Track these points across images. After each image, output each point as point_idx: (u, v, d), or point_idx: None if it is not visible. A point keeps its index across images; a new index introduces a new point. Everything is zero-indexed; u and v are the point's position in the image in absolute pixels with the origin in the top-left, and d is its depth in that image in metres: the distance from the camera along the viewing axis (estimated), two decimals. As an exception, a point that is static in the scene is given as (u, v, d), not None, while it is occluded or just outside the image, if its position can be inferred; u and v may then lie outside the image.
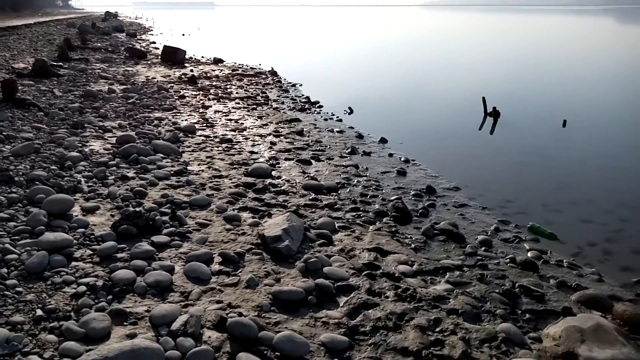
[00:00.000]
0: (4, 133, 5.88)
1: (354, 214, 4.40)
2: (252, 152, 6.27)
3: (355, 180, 5.42)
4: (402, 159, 6.49)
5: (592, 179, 6.03)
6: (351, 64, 18.44)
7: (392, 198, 4.84)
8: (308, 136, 7.38)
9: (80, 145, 5.69)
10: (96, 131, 6.48)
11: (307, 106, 9.86)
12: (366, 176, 5.64)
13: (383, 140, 7.43)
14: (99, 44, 20.03)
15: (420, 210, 4.62)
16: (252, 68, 15.20)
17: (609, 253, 4.01)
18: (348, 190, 5.10)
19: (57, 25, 34.18)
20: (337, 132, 7.83)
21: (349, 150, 6.69)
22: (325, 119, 8.82)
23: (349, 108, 9.70)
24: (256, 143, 6.77)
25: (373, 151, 6.81)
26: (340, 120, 8.81)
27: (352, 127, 8.24)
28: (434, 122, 9.08)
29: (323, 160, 6.15)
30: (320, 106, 10.01)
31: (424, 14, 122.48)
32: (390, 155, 6.68)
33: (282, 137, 7.15)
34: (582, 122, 8.82)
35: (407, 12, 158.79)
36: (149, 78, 11.64)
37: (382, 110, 10.06)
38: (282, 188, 4.93)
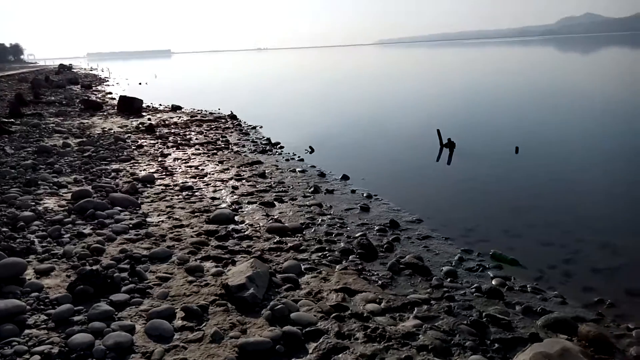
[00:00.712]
0: (-51, 196, 5.62)
1: (320, 254, 4.38)
2: (213, 198, 6.20)
3: (320, 220, 5.41)
4: (365, 195, 6.55)
5: (547, 202, 6.23)
6: (310, 104, 18.77)
7: (356, 235, 4.84)
8: (270, 178, 7.37)
9: (33, 203, 5.49)
10: (50, 188, 6.28)
11: (268, 148, 9.90)
12: (330, 214, 5.65)
13: (345, 177, 7.50)
14: (53, 98, 19.69)
15: (385, 245, 4.64)
16: (211, 113, 15.23)
17: (570, 274, 4.11)
18: (313, 230, 5.08)
19: (8, 81, 33.53)
20: (299, 171, 7.86)
21: (312, 189, 6.71)
22: (287, 160, 8.86)
23: (310, 147, 9.80)
24: (218, 188, 6.71)
25: (336, 189, 6.86)
26: (302, 160, 8.87)
27: (313, 166, 8.30)
28: (394, 157, 9.27)
29: (286, 201, 6.14)
30: (282, 147, 10.06)
31: (377, 52, 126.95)
32: (353, 191, 6.73)
33: (244, 181, 7.12)
34: (534, 147, 9.20)
35: (361, 51, 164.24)
36: (106, 129, 11.46)
37: (343, 148, 10.20)
38: (245, 233, 4.87)
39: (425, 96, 19.75)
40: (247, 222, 5.27)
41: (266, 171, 7.74)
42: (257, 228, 5.05)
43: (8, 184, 6.38)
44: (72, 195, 5.80)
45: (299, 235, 4.90)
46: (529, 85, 21.88)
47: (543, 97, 17.12)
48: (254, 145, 10.14)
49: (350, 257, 4.32)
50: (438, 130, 9.62)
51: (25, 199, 5.65)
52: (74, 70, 57.67)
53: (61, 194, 6.05)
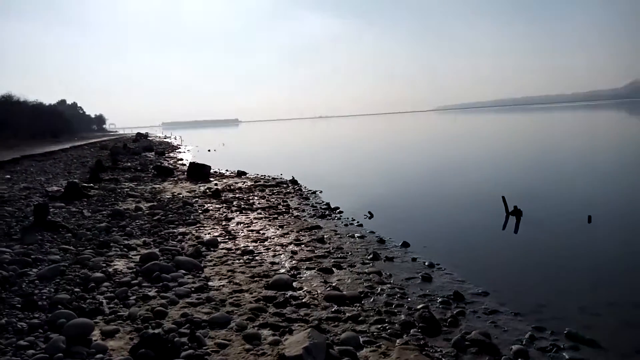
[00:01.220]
0: (32, 256, 6.03)
1: (379, 326, 4.22)
2: (273, 263, 6.24)
3: (379, 289, 5.28)
4: (426, 264, 6.35)
5: (628, 277, 5.74)
6: (369, 169, 18.91)
7: (418, 307, 4.65)
8: (329, 243, 7.35)
9: (104, 265, 5.77)
10: (121, 250, 6.60)
11: (327, 213, 9.96)
12: (390, 283, 5.50)
13: (405, 245, 7.35)
14: (129, 164, 21.14)
15: (449, 320, 4.41)
16: (273, 178, 15.68)
17: (660, 360, 3.69)
18: (372, 299, 4.95)
19: (91, 148, 36.53)
20: (358, 237, 7.80)
21: (371, 256, 6.61)
22: (346, 225, 8.85)
23: (369, 212, 9.76)
24: (277, 253, 6.77)
25: (396, 256, 6.71)
26: (361, 226, 8.82)
27: (373, 232, 8.22)
28: (456, 224, 9.00)
29: (345, 268, 6.06)
30: (341, 212, 10.09)
31: (436, 118, 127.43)
32: (414, 260, 6.55)
33: (303, 246, 7.15)
34: (608, 217, 8.63)
35: (421, 117, 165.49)
36: (175, 194, 12.07)
37: (403, 214, 10.07)
38: (303, 300, 4.82)
39: (488, 162, 19.35)
40: (305, 288, 5.23)
41: (325, 236, 7.75)
42: (315, 295, 4.99)
43: (83, 245, 6.78)
44: (140, 258, 6.05)
45: (358, 304, 4.78)
46: (599, 151, 20.95)
47: (615, 164, 16.27)
48: (313, 210, 10.25)
49: (411, 331, 4.14)
50: (503, 197, 9.31)
51: (97, 260, 5.96)
52: (150, 138, 62.05)
53: (131, 256, 6.33)
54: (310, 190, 13.10)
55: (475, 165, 18.60)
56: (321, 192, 12.84)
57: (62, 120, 67.99)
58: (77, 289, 4.86)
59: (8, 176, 15.73)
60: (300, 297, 4.92)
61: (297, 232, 8.09)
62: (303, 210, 10.19)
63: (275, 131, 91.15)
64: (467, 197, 11.64)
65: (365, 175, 16.97)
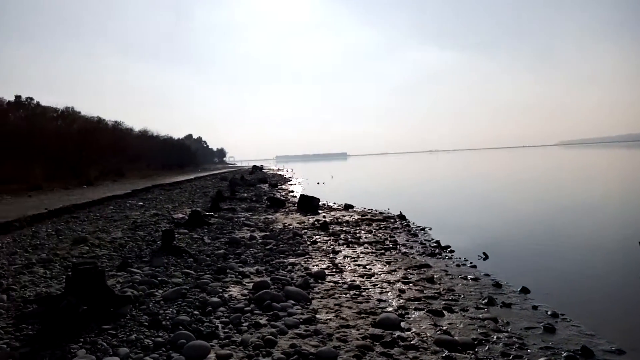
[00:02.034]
0: (158, 278, 6.59)
1: (495, 377, 3.91)
2: (380, 300, 6.13)
3: (495, 337, 4.91)
4: (549, 313, 5.79)
5: None
6: (483, 207, 18.00)
7: (539, 360, 4.24)
8: (439, 284, 7.05)
9: (221, 290, 6.11)
10: (236, 276, 6.95)
11: (437, 251, 9.61)
12: (507, 332, 5.09)
13: (525, 290, 6.79)
14: (246, 195, 22.44)
15: (577, 378, 3.95)
16: (380, 213, 15.60)
17: None
18: (486, 347, 4.61)
19: (212, 179, 39.47)
20: (472, 279, 7.39)
21: (486, 300, 6.20)
22: (458, 265, 8.45)
23: (484, 253, 9.23)
24: (384, 290, 6.63)
25: (514, 302, 6.22)
26: (474, 267, 8.35)
27: (487, 275, 7.73)
28: (585, 269, 8.14)
29: (457, 312, 5.75)
30: (452, 251, 9.68)
31: (558, 153, 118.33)
32: (535, 307, 6.02)
33: (411, 284, 6.94)
34: None
35: (541, 152, 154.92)
36: (286, 225, 12.51)
37: (521, 256, 9.36)
38: (411, 342, 4.64)
39: (620, 202, 17.40)
40: (413, 329, 5.04)
41: (435, 276, 7.45)
42: (424, 338, 4.78)
43: (203, 270, 7.26)
44: (253, 285, 6.31)
45: (471, 352, 4.48)
46: None
47: None
48: (422, 247, 9.95)
49: (532, 386, 3.76)
50: (641, 243, 8.27)
51: (215, 285, 6.33)
52: (264, 171, 65.60)
53: (244, 283, 6.63)
54: (418, 227, 12.79)
55: (605, 204, 16.84)
56: (430, 229, 12.47)
57: (188, 153, 74.63)
58: (196, 312, 5.18)
59: (141, 203, 17.53)
60: (409, 339, 4.74)
61: (405, 269, 7.89)
62: (411, 247, 9.95)
63: (384, 165, 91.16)
64: (596, 240, 10.52)
65: (479, 213, 16.17)
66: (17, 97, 44.82)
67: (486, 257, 9.10)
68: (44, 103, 40.00)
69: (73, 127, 34.95)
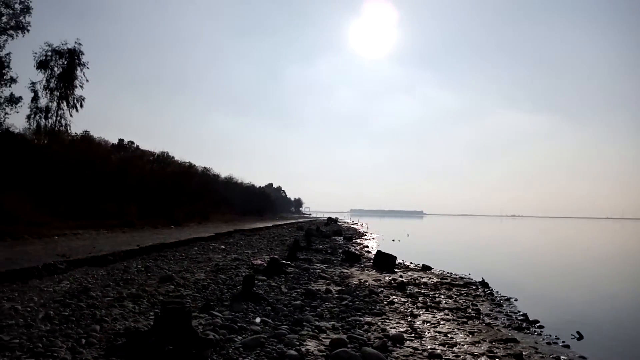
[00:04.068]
0: (238, 324, 6.68)
1: None
2: (463, 374, 5.74)
3: None
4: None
5: None
6: (573, 278, 16.67)
7: None
8: (528, 362, 6.50)
9: (297, 343, 6.05)
10: (312, 330, 6.87)
11: (524, 325, 8.93)
12: None
13: (628, 381, 6.07)
14: (321, 246, 22.52)
15: None
16: (461, 277, 14.91)
17: None
18: None
19: (289, 228, 40.17)
20: (565, 360, 6.74)
21: (583, 387, 5.60)
22: (548, 343, 7.77)
23: (578, 332, 8.44)
24: (468, 363, 6.22)
25: (616, 393, 5.57)
26: (567, 347, 7.64)
27: (584, 358, 7.02)
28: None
29: (550, 397, 5.23)
30: (541, 326, 8.95)
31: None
32: (642, 402, 5.34)
33: (498, 359, 6.46)
34: None
35: (634, 225, 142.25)
36: (362, 281, 12.31)
37: (624, 338, 8.45)
38: None
39: None
40: (502, 411, 4.64)
41: (524, 353, 6.89)
42: (515, 422, 4.37)
43: (280, 320, 7.26)
44: (330, 342, 6.19)
45: None
46: None
47: None
48: (507, 320, 9.31)
49: None
50: None
51: (292, 337, 6.28)
52: (339, 223, 65.71)
53: (321, 338, 6.53)
54: (503, 296, 12.02)
55: None
56: (516, 300, 11.67)
57: (268, 201, 77.05)
58: (273, 364, 5.15)
59: (223, 247, 18.15)
60: (497, 421, 4.36)
61: (490, 342, 7.38)
62: (496, 318, 9.34)
63: (461, 226, 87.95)
64: None
65: (569, 286, 14.97)
66: (120, 140, 49.20)
67: (580, 336, 8.31)
68: (142, 147, 43.61)
69: (167, 171, 37.53)
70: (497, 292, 12.61)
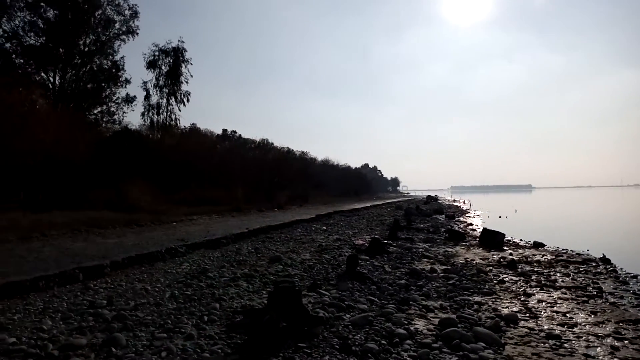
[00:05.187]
0: (345, 302, 6.83)
1: None
2: (586, 356, 5.37)
3: None
4: None
5: None
6: None
7: None
8: (664, 346, 5.89)
9: (406, 322, 6.05)
10: (419, 310, 6.82)
11: (657, 305, 8.09)
12: None
13: None
14: (422, 225, 22.16)
15: None
16: (578, 254, 13.84)
17: None
18: None
19: (387, 208, 39.97)
20: None
21: None
22: (689, 325, 6.96)
23: None
24: (591, 344, 5.80)
25: None
26: None
27: None
28: None
29: (693, 384, 4.72)
30: (679, 307, 8.05)
31: None
32: None
33: (627, 342, 5.93)
34: None
35: None
36: (468, 260, 11.93)
37: None
38: (634, 412, 3.93)
39: None
40: (635, 397, 4.27)
41: (658, 335, 6.26)
42: (652, 410, 4.01)
43: (386, 299, 7.30)
44: (439, 322, 6.11)
45: None
46: None
47: None
48: (636, 299, 8.49)
49: None
50: None
51: (399, 316, 6.29)
52: (439, 201, 64.02)
53: (429, 317, 6.47)
54: (629, 274, 10.97)
55: None
56: (645, 277, 10.59)
57: (364, 181, 77.25)
58: (383, 342, 5.21)
59: (324, 227, 18.58)
60: (630, 407, 4.03)
61: (616, 323, 6.80)
62: (621, 297, 8.56)
63: (575, 199, 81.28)
64: None
65: None
66: (224, 131, 52.13)
67: None
68: (244, 136, 45.82)
69: (267, 157, 39.11)
70: (622, 269, 11.53)
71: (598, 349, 5.64)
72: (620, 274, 10.94)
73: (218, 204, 25.42)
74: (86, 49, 31.16)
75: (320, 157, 60.52)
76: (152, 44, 37.32)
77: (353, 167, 79.11)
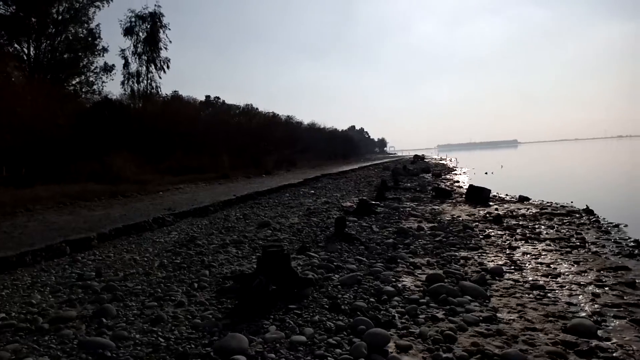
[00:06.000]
0: (334, 263, 6.91)
1: None
2: (569, 304, 5.52)
3: None
4: None
5: None
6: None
7: None
8: (643, 290, 6.09)
9: (394, 280, 6.16)
10: (407, 267, 6.94)
11: (636, 252, 8.30)
12: None
13: None
14: (409, 184, 22.31)
15: None
16: (562, 206, 14.09)
17: None
18: None
19: (374, 169, 40.11)
20: (687, 288, 6.22)
21: None
22: (666, 270, 7.19)
23: (701, 258, 7.70)
24: (574, 293, 5.96)
25: None
26: (689, 273, 7.02)
27: None
28: None
29: (669, 325, 4.89)
30: (656, 253, 8.28)
31: None
32: None
33: (607, 289, 6.11)
34: None
35: None
36: (454, 216, 12.09)
37: None
38: (614, 354, 4.09)
39: None
40: (614, 340, 4.43)
41: (637, 280, 6.45)
42: (630, 352, 4.17)
43: (374, 258, 7.40)
44: (426, 278, 6.23)
45: (695, 375, 3.77)
46: None
47: None
48: (617, 247, 8.71)
49: None
50: None
51: (387, 274, 6.40)
52: (426, 160, 64.40)
53: (417, 274, 6.59)
54: (610, 223, 11.22)
55: None
56: (626, 226, 10.84)
57: (352, 144, 77.05)
58: (372, 299, 5.30)
59: (312, 191, 18.63)
60: (610, 350, 4.19)
61: (598, 271, 6.99)
62: (603, 246, 8.77)
63: (560, 153, 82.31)
64: None
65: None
66: (207, 97, 51.23)
67: None
68: (228, 102, 45.12)
69: (252, 122, 38.70)
70: (604, 219, 11.79)
71: (580, 297, 5.81)
72: (602, 224, 11.19)
73: (204, 172, 25.29)
74: (60, 17, 30.05)
75: (306, 121, 60.14)
76: (128, 9, 36.15)
77: (340, 130, 78.77)
